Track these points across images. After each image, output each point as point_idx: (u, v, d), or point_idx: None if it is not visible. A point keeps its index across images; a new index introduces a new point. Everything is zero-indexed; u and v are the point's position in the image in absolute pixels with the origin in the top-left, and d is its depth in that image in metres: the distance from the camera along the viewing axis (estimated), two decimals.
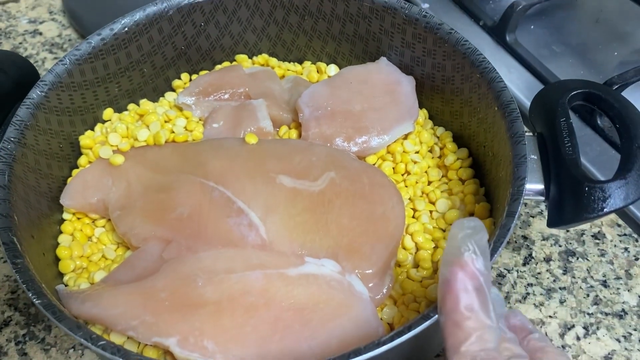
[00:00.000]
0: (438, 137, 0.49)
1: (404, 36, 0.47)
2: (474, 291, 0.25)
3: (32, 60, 0.65)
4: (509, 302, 0.46)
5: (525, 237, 0.49)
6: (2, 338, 0.45)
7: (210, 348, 0.33)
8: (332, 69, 0.53)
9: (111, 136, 0.45)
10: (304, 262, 0.36)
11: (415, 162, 0.46)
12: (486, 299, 0.25)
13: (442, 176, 0.46)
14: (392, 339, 0.28)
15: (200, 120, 0.49)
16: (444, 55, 0.45)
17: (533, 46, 0.62)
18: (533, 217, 0.51)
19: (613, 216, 0.51)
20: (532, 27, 0.65)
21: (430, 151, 0.48)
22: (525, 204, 0.51)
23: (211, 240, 0.38)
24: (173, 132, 0.46)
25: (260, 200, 0.40)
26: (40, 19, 0.70)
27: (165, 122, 0.47)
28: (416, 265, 0.40)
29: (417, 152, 0.47)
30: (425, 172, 0.46)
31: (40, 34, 0.68)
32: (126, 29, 0.46)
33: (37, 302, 0.31)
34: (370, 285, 0.36)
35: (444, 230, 0.42)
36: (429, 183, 0.46)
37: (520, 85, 0.60)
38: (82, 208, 0.43)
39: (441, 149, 0.48)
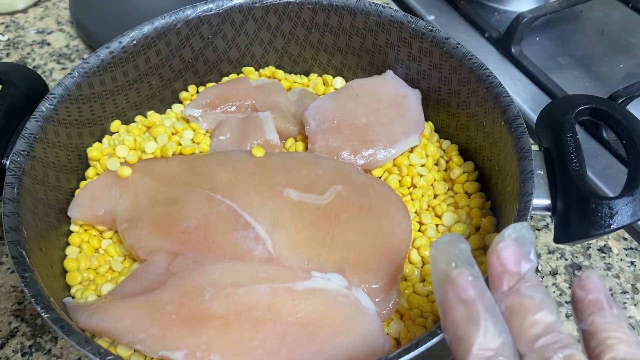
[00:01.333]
0: (444, 151, 0.49)
1: (411, 50, 0.48)
2: (466, 303, 0.25)
3: (40, 71, 0.66)
4: None
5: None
6: (9, 349, 0.45)
7: None
8: (339, 82, 0.53)
9: (119, 148, 0.46)
10: (311, 276, 0.37)
11: (421, 176, 0.46)
12: (478, 308, 0.25)
13: (448, 189, 0.46)
14: (399, 356, 0.28)
15: (207, 132, 0.49)
16: (450, 69, 0.45)
17: (538, 58, 0.62)
18: (539, 230, 0.51)
19: (619, 230, 0.51)
20: (537, 39, 0.66)
21: (436, 164, 0.48)
22: (532, 217, 0.51)
23: (218, 254, 0.39)
24: (180, 144, 0.47)
25: (267, 214, 0.40)
26: (48, 30, 0.71)
27: (173, 134, 0.48)
28: (423, 280, 0.40)
29: (423, 166, 0.47)
30: (431, 185, 0.46)
31: (48, 44, 0.69)
32: (134, 42, 0.46)
33: (46, 316, 0.31)
34: (376, 299, 0.36)
35: None
36: (435, 196, 0.46)
37: (525, 97, 0.60)
38: (89, 220, 0.43)
39: (447, 162, 0.48)
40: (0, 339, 0.45)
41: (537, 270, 0.48)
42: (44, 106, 0.41)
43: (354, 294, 0.36)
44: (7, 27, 0.71)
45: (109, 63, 0.45)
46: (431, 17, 0.68)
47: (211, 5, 0.48)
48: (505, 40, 0.63)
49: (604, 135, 0.54)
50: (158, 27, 0.47)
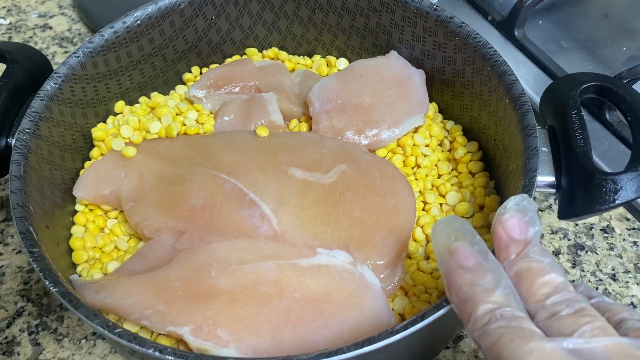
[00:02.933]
0: (448, 131, 0.49)
1: (415, 30, 0.48)
2: (468, 269, 0.26)
3: None
4: None
5: None
6: (15, 328, 0.45)
7: (223, 337, 0.33)
8: (342, 63, 0.53)
9: (123, 128, 0.46)
10: (316, 253, 0.37)
11: (425, 156, 0.46)
12: (480, 270, 0.26)
13: (452, 169, 0.46)
14: (405, 328, 0.29)
15: (211, 113, 0.49)
16: (454, 48, 0.45)
17: (541, 41, 0.62)
18: (542, 210, 0.51)
19: (622, 210, 0.51)
20: (540, 22, 0.65)
21: (440, 144, 0.48)
22: (535, 198, 0.51)
23: (224, 231, 0.39)
24: (185, 124, 0.47)
25: (272, 193, 0.40)
26: (50, 14, 0.71)
27: (177, 114, 0.48)
28: (427, 257, 0.40)
29: (427, 146, 0.47)
30: (435, 165, 0.46)
31: (50, 28, 0.69)
32: (138, 22, 0.46)
33: (54, 290, 0.32)
34: (381, 276, 0.37)
35: None
36: (439, 176, 0.46)
37: (528, 80, 0.60)
38: (94, 200, 0.43)
39: (451, 142, 0.48)
40: (6, 318, 0.46)
41: None
42: (49, 85, 0.41)
43: (359, 270, 0.36)
44: (8, 10, 0.71)
45: (113, 43, 0.45)
46: (434, 0, 0.68)
47: None
48: (508, 23, 0.63)
49: (607, 117, 0.53)
50: (162, 7, 0.47)
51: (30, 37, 0.68)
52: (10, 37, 0.68)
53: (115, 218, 0.44)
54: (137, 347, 0.29)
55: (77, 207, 0.44)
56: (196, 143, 0.45)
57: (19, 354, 0.44)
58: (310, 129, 0.48)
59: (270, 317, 0.34)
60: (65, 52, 0.66)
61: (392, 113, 0.46)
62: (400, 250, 0.38)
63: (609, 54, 0.62)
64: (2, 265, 0.49)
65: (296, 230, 0.38)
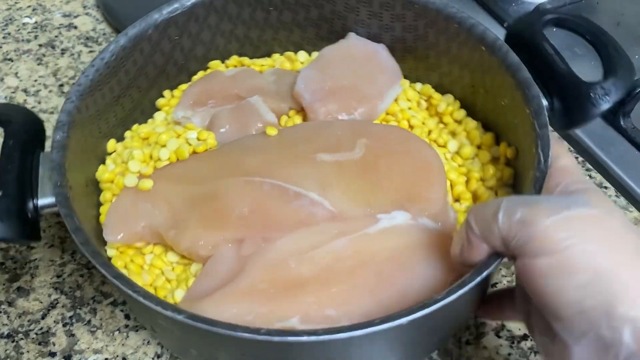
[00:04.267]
0: (419, 93, 0.54)
1: (371, 8, 0.52)
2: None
3: (68, 54, 0.68)
4: None
5: None
6: (50, 320, 0.47)
7: (334, 315, 0.36)
8: (302, 55, 0.56)
9: (131, 164, 0.45)
10: (378, 219, 0.40)
11: (413, 117, 0.50)
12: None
13: (439, 123, 0.51)
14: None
15: (203, 129, 0.49)
16: (414, 16, 0.50)
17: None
18: None
19: (601, 181, 0.56)
20: (554, 29, 0.69)
21: (418, 105, 0.53)
22: None
23: (283, 226, 0.40)
24: (189, 144, 0.47)
25: (312, 181, 0.42)
26: (75, 13, 0.74)
27: (177, 137, 0.48)
28: (456, 200, 0.45)
29: (409, 109, 0.52)
30: (423, 124, 0.51)
31: (75, 27, 0.72)
32: (114, 56, 0.45)
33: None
34: (438, 222, 0.41)
35: (461, 166, 0.47)
36: (430, 132, 0.51)
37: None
38: (128, 239, 0.43)
39: (426, 100, 0.53)
40: (41, 310, 0.48)
41: None
42: (59, 135, 0.40)
43: (420, 222, 0.40)
44: (34, 10, 0.74)
45: (97, 82, 0.44)
46: None
47: (176, 5, 0.49)
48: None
49: (622, 123, 0.56)
50: (132, 37, 0.47)
51: (56, 37, 0.70)
52: (36, 36, 0.71)
53: (152, 252, 0.44)
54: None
55: (109, 252, 0.43)
56: (212, 158, 0.45)
57: (54, 344, 0.46)
58: (303, 120, 0.50)
59: (365, 284, 0.37)
60: (91, 51, 0.68)
61: (375, 87, 0.50)
62: (445, 196, 0.42)
63: None
64: (36, 259, 0.51)
65: (350, 206, 0.41)
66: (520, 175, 0.43)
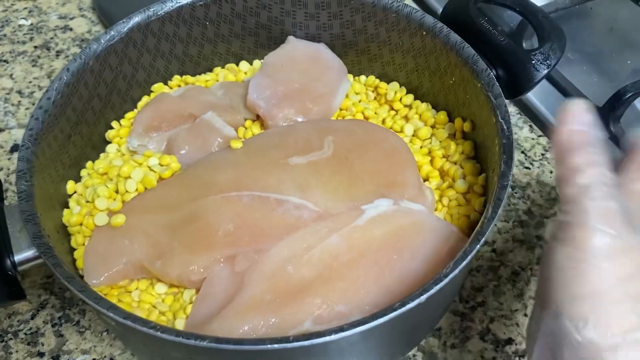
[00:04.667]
0: (365, 85, 0.55)
1: (307, 10, 0.53)
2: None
3: (63, 55, 0.69)
4: (522, 299, 0.48)
5: (539, 237, 0.52)
6: (40, 320, 0.47)
7: (345, 310, 0.36)
8: (244, 65, 0.56)
9: (98, 202, 0.43)
10: (363, 210, 0.41)
11: (366, 108, 0.52)
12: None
13: (390, 110, 0.53)
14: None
15: (163, 154, 0.48)
16: (351, 12, 0.52)
17: None
18: (546, 217, 0.54)
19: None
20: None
21: (367, 97, 0.54)
22: (540, 205, 0.55)
23: (272, 235, 0.40)
24: (154, 171, 0.46)
25: (290, 185, 0.42)
26: (70, 15, 0.74)
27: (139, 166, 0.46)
28: (425, 180, 0.47)
29: (360, 101, 0.53)
30: (375, 113, 0.53)
31: (71, 29, 0.72)
32: (60, 94, 0.43)
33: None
34: (419, 203, 0.42)
35: (422, 148, 0.49)
36: (383, 121, 0.52)
37: (535, 91, 0.54)
38: (112, 280, 0.41)
39: (373, 91, 0.54)
40: (30, 310, 0.48)
41: None
42: (22, 185, 0.37)
43: (403, 205, 0.41)
44: (30, 12, 0.74)
45: (48, 123, 0.42)
46: None
47: (113, 33, 0.47)
48: (516, 35, 0.63)
49: (612, 129, 0.54)
50: (74, 71, 0.45)
51: (51, 39, 0.71)
52: (32, 38, 0.71)
53: (137, 288, 0.42)
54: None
55: None
56: (182, 181, 0.44)
57: (43, 345, 0.46)
58: (262, 128, 0.50)
59: (367, 274, 0.38)
60: None
61: (326, 85, 0.51)
62: (419, 177, 0.44)
63: (614, 67, 0.63)
64: None
65: (334, 202, 0.42)
66: (483, 145, 0.45)
